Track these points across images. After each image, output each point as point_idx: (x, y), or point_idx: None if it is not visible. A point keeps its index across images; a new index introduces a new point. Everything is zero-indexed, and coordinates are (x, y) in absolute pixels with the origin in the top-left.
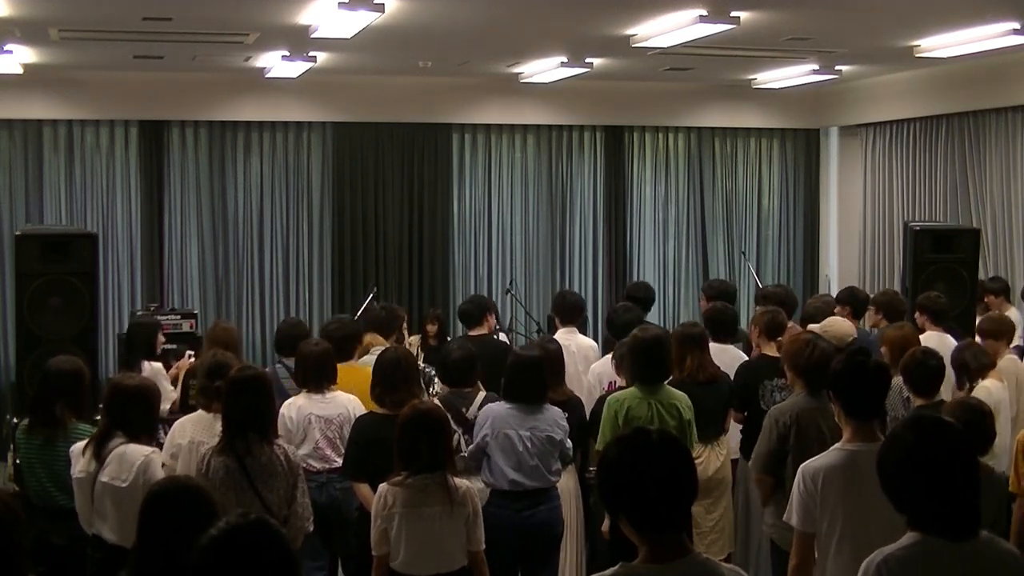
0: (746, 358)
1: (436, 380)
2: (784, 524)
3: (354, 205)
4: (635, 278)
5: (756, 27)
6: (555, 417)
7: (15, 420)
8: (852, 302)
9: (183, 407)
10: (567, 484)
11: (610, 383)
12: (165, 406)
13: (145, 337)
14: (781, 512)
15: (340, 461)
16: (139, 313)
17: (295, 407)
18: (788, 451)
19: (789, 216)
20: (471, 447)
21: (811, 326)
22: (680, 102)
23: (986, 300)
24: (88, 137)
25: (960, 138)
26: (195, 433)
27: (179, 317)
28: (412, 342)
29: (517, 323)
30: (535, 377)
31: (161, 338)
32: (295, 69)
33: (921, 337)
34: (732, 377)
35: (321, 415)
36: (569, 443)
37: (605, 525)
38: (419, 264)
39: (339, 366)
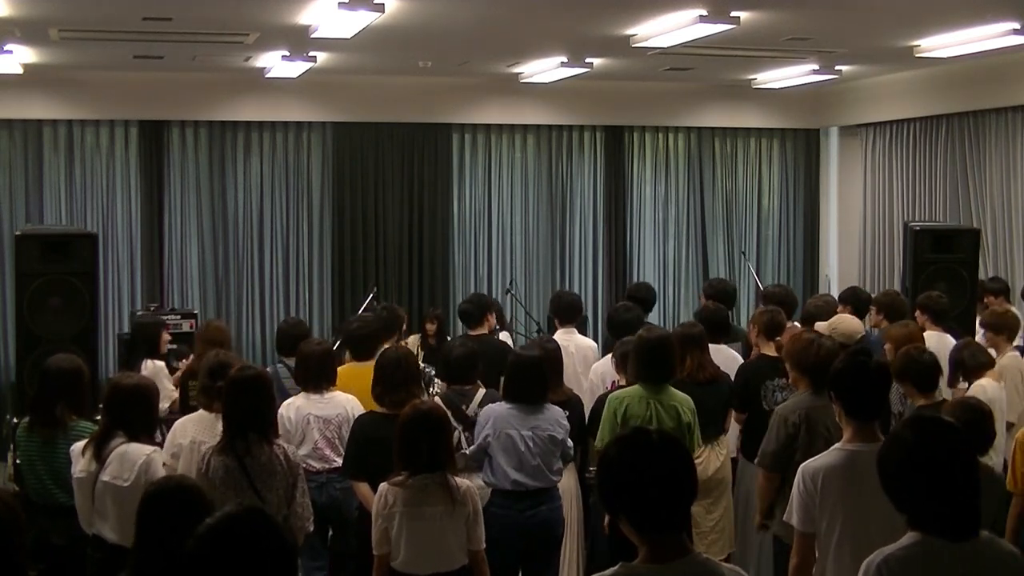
0: (740, 357)
1: (436, 380)
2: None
3: (354, 205)
4: (635, 278)
5: (756, 27)
6: (556, 416)
7: (15, 420)
8: (854, 302)
9: (183, 407)
10: (567, 483)
11: (612, 382)
12: (164, 405)
13: (149, 336)
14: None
15: (339, 461)
16: (139, 313)
17: (293, 407)
18: (797, 449)
19: (789, 216)
20: (473, 447)
21: (818, 324)
22: (680, 102)
23: (986, 300)
24: (88, 137)
25: (960, 138)
26: (197, 433)
27: (179, 317)
28: (412, 341)
29: (517, 323)
30: (535, 377)
31: (167, 337)
32: (295, 69)
33: None
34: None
35: (320, 415)
36: (570, 442)
37: (606, 521)
38: (419, 264)
39: (358, 365)
